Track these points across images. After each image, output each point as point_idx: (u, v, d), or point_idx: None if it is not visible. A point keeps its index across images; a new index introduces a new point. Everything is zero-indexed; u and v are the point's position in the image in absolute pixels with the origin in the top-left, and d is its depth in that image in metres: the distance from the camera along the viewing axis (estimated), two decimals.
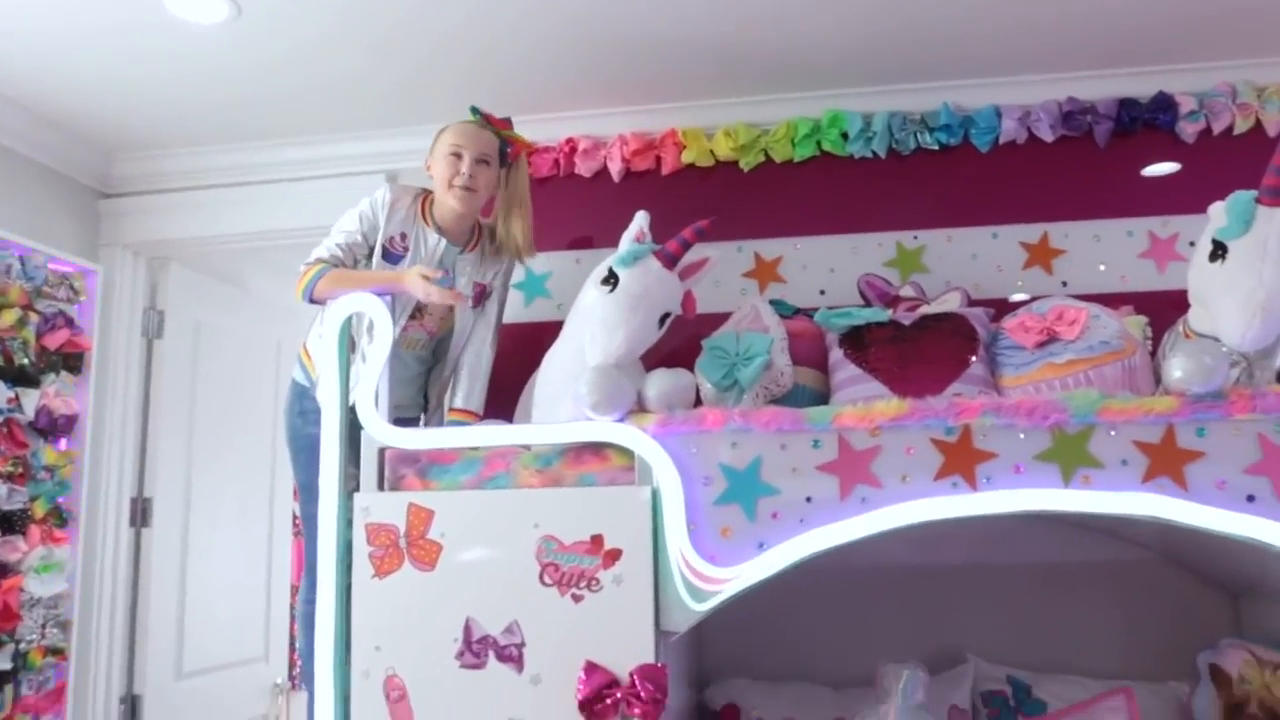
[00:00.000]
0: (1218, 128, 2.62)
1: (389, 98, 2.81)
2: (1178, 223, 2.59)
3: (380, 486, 1.99)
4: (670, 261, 2.05)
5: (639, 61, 2.64)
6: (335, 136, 3.00)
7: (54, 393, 2.72)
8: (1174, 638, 2.38)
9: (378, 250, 2.26)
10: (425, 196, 2.35)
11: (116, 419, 3.00)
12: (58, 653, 2.68)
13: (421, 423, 2.46)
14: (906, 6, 2.41)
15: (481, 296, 2.40)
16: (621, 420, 1.92)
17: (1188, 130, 2.63)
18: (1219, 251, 1.86)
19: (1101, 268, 2.62)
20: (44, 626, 2.65)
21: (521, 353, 2.68)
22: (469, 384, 2.38)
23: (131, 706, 2.94)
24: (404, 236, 2.29)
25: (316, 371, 2.28)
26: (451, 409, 2.39)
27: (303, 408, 2.32)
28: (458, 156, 2.25)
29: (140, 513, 3.04)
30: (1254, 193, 1.85)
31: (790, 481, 1.84)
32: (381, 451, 2.01)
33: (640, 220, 2.11)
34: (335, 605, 1.96)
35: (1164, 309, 2.36)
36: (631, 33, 2.50)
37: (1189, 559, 2.42)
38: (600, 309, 2.01)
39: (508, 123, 2.38)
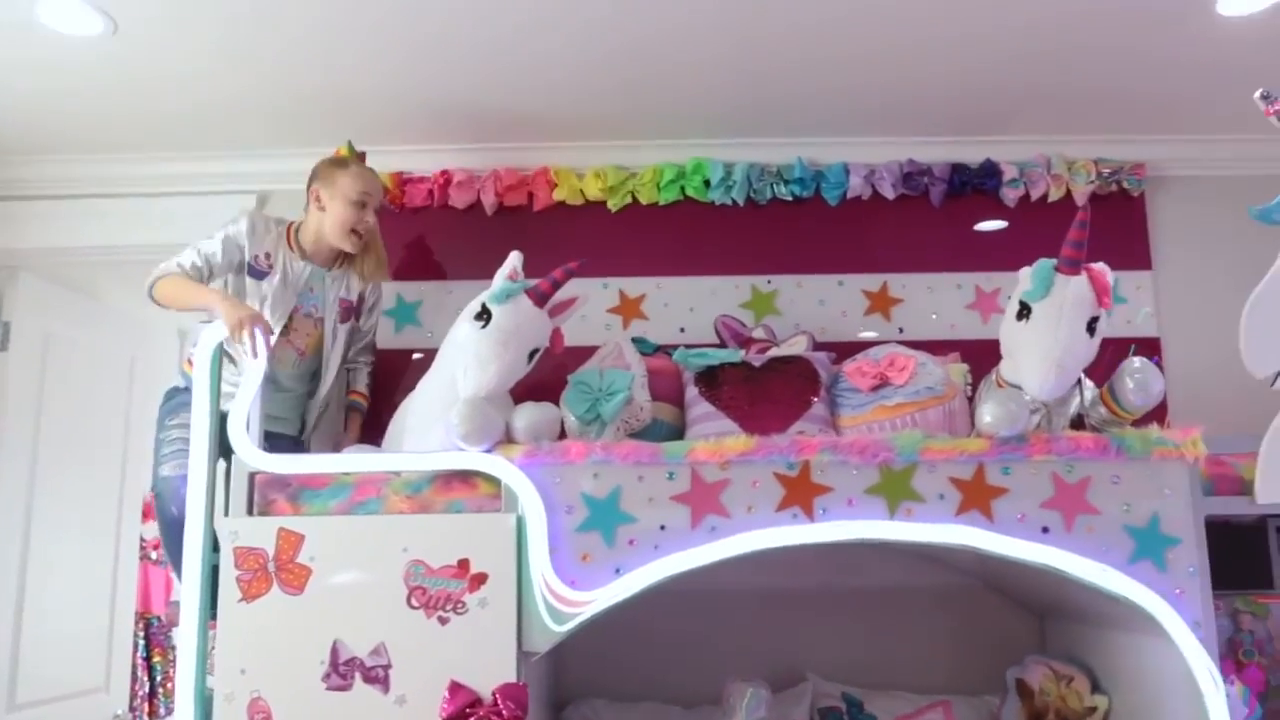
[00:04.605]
0: (1035, 194, 2.99)
1: (263, 122, 2.87)
2: (999, 278, 2.94)
3: (249, 511, 2.07)
4: (541, 300, 2.21)
5: (513, 105, 2.81)
6: (205, 154, 3.02)
7: None
8: (989, 655, 2.67)
9: (245, 267, 2.44)
10: (289, 225, 2.54)
11: None
12: None
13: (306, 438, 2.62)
14: (763, 65, 2.64)
15: (350, 312, 2.62)
16: (490, 450, 2.06)
17: (1010, 195, 2.99)
18: (1024, 311, 2.15)
19: (934, 316, 2.95)
20: None
21: (391, 379, 2.81)
22: (362, 373, 2.74)
23: None
24: (268, 256, 2.47)
25: None
26: (351, 390, 2.72)
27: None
28: (362, 206, 2.47)
29: None
30: (1054, 260, 2.14)
31: (646, 511, 2.02)
32: (251, 476, 2.09)
33: (514, 260, 2.25)
34: (199, 628, 2.03)
35: (986, 357, 2.68)
36: (506, 84, 2.68)
37: (1003, 584, 2.73)
38: (474, 344, 2.15)
39: (364, 157, 2.59)
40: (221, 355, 2.19)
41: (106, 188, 3.07)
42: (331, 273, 2.57)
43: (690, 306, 2.93)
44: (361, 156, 2.58)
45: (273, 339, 2.24)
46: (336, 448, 2.62)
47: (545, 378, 2.34)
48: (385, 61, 2.57)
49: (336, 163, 2.52)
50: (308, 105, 2.77)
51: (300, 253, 2.52)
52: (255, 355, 2.12)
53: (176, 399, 2.49)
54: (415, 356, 2.89)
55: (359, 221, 2.48)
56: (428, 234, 2.98)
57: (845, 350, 2.48)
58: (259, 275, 2.46)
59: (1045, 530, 2.01)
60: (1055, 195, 2.99)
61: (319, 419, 2.65)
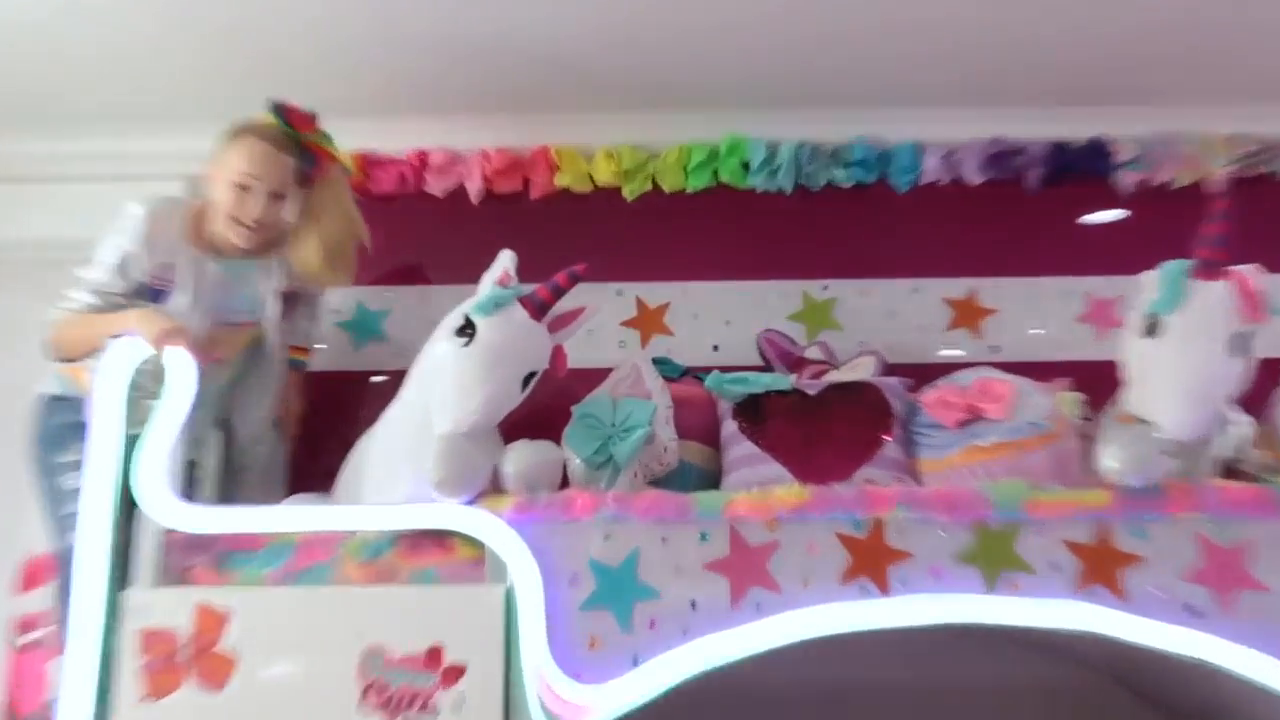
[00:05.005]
0: (1158, 179, 2.90)
1: (190, 87, 2.81)
2: (1118, 284, 2.78)
3: (159, 581, 1.97)
4: (539, 310, 2.12)
5: (505, 68, 2.74)
6: (118, 128, 2.95)
7: None
8: None
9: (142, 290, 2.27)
10: (197, 210, 2.35)
11: None
12: None
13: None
14: (820, 23, 2.56)
15: (294, 301, 2.52)
16: (472, 503, 1.97)
17: (1125, 180, 2.89)
18: (1152, 327, 2.04)
19: (1038, 332, 2.84)
20: None
21: (346, 409, 2.71)
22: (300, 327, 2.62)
23: None
24: (167, 268, 2.29)
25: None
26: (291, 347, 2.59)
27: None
28: (245, 189, 2.28)
29: None
30: (1186, 263, 2.04)
31: (673, 583, 1.91)
32: (164, 535, 1.98)
33: (505, 260, 2.18)
34: None
35: (1105, 383, 2.52)
36: (496, 39, 2.61)
37: (1136, 681, 2.58)
38: (453, 365, 2.06)
39: (312, 121, 2.38)
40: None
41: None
42: (260, 262, 2.41)
43: (726, 319, 2.86)
44: (303, 121, 2.36)
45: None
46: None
47: (544, 409, 2.23)
48: (346, 18, 2.52)
49: (234, 133, 2.33)
50: (244, 70, 2.71)
51: (210, 246, 2.34)
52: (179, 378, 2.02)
53: (58, 419, 2.29)
54: (378, 379, 2.80)
55: (239, 209, 2.29)
56: (398, 227, 2.87)
57: (924, 375, 2.40)
58: (159, 296, 2.28)
59: (1192, 610, 1.88)
60: (1183, 181, 2.89)
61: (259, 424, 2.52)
